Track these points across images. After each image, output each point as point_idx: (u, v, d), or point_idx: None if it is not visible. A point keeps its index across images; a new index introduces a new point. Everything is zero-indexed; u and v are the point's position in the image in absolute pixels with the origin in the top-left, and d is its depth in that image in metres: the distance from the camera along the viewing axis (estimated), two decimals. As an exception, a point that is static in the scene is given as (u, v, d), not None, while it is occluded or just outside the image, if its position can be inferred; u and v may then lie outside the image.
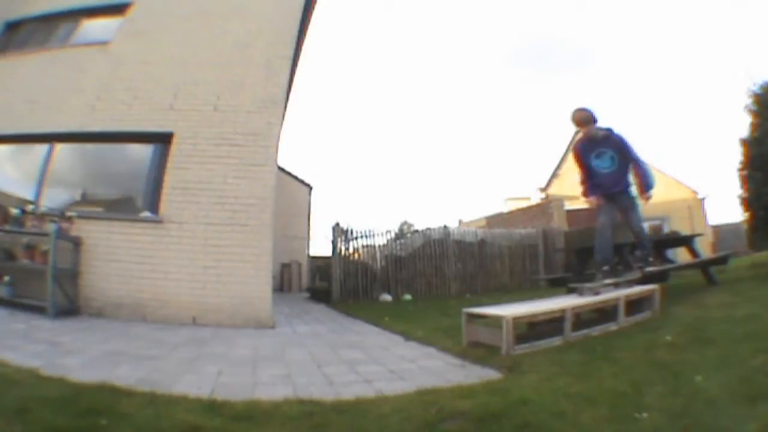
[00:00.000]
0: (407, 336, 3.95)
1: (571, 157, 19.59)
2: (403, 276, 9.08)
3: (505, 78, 62.65)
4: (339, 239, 8.84)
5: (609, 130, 3.92)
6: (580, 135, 4.06)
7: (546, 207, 13.78)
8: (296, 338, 4.14)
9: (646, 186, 3.83)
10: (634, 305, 3.47)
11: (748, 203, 5.50)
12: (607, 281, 3.73)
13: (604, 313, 3.45)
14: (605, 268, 3.85)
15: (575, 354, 2.63)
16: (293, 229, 14.63)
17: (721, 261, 4.92)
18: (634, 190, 3.97)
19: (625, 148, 3.86)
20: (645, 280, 4.01)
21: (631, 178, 3.94)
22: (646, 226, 4.29)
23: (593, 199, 4.00)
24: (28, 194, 5.25)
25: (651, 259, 4.05)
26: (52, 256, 4.28)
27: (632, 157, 3.87)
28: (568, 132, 19.76)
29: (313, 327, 4.98)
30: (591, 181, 4.00)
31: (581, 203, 18.38)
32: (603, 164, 3.89)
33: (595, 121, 3.87)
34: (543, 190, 19.10)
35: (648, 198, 3.83)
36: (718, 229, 16.04)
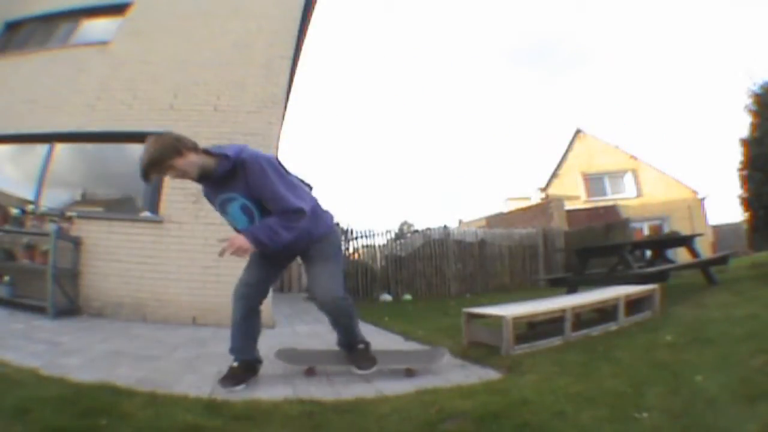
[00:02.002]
0: (407, 336, 3.95)
1: (571, 157, 19.46)
2: (403, 276, 9.08)
3: (506, 78, 62.69)
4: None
5: (234, 157, 2.08)
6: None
7: (546, 207, 13.78)
8: (296, 338, 4.14)
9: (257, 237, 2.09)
10: (634, 305, 3.47)
11: (748, 203, 5.51)
12: None
13: (604, 313, 3.45)
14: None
15: (575, 354, 2.63)
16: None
17: (721, 261, 4.93)
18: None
19: (261, 183, 2.07)
20: (645, 280, 4.01)
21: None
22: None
23: None
24: (28, 194, 5.25)
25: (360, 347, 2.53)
26: (52, 256, 4.28)
27: (270, 195, 2.10)
28: (568, 132, 19.77)
29: (313, 327, 4.97)
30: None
31: (581, 203, 18.47)
32: (235, 218, 2.25)
33: (192, 150, 2.04)
34: (543, 190, 19.12)
35: (234, 251, 2.07)
36: (718, 229, 16.06)
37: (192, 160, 2.03)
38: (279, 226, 2.11)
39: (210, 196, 2.33)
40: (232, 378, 2.26)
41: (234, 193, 2.14)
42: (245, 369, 2.34)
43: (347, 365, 2.52)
